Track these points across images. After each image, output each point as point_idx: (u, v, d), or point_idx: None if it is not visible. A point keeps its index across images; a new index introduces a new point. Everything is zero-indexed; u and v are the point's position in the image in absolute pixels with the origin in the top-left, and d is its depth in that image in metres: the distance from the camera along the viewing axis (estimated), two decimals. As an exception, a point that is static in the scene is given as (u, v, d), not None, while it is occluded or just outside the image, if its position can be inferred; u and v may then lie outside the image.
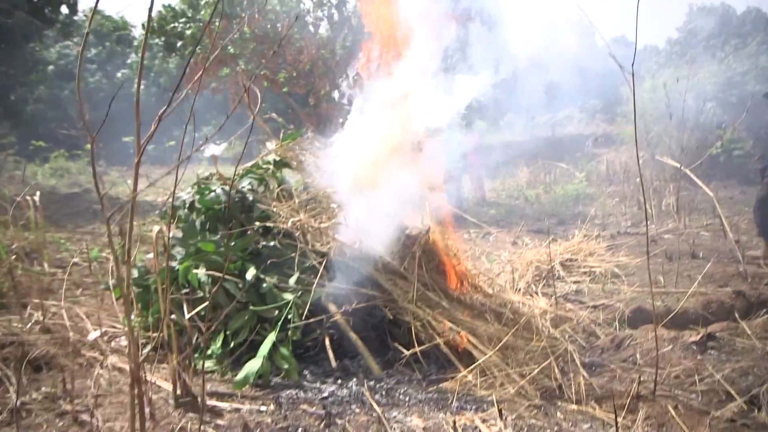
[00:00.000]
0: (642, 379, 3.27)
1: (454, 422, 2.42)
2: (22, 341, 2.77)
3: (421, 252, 3.55)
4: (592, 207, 10.83)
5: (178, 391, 2.53)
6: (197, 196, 4.18)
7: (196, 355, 3.27)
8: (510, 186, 14.41)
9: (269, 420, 2.47)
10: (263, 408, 2.61)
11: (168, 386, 2.68)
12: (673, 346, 3.58)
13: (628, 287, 5.12)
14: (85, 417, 2.29)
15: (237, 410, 2.55)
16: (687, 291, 4.62)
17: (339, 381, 3.14)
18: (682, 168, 5.82)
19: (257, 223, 3.71)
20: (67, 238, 7.65)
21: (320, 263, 3.45)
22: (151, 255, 3.83)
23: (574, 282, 5.44)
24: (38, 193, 6.29)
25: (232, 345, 3.40)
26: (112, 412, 2.37)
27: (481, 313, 3.44)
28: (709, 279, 5.16)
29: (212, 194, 3.97)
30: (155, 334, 3.52)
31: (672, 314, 4.22)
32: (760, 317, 4.12)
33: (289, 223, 3.55)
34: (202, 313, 3.20)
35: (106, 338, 3.84)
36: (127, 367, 3.00)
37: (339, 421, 2.50)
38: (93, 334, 3.84)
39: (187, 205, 4.30)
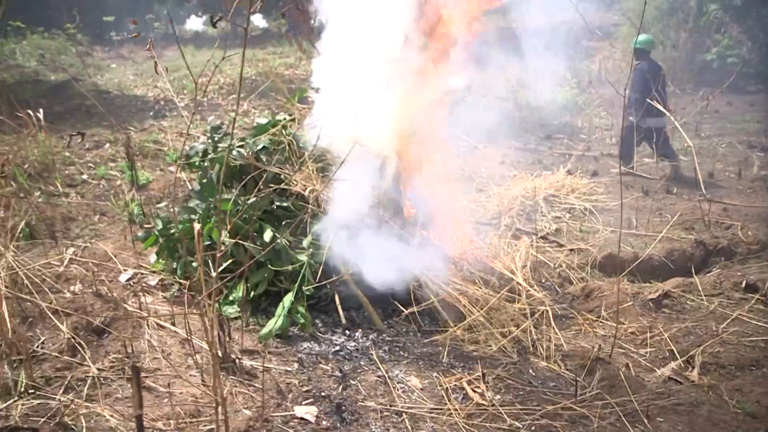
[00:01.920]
0: (602, 333, 3.88)
1: (447, 389, 2.99)
2: (84, 310, 3.21)
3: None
4: (579, 118, 11.07)
5: (220, 354, 3.02)
6: (211, 149, 4.44)
7: (222, 301, 3.78)
8: (500, 82, 14.33)
9: (296, 381, 3.02)
10: (289, 368, 3.15)
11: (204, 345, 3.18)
12: (634, 302, 4.15)
13: (603, 227, 5.64)
14: (150, 383, 2.80)
15: (268, 370, 3.08)
16: (655, 235, 5.16)
17: (347, 332, 3.69)
18: (669, 115, 6.08)
19: (272, 185, 4.03)
20: (70, 148, 7.81)
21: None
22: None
23: (555, 218, 5.93)
24: (41, 111, 6.40)
25: (251, 296, 3.89)
26: (171, 375, 2.89)
27: (470, 277, 3.94)
28: (677, 220, 5.66)
29: (224, 152, 4.23)
30: (182, 281, 4.00)
31: (638, 261, 4.77)
32: (713, 271, 4.70)
33: (305, 191, 3.89)
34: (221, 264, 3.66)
35: (135, 280, 4.31)
36: (166, 323, 3.48)
37: (352, 382, 3.07)
38: (124, 276, 4.30)
39: (200, 155, 4.57)
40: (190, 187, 5.23)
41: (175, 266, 4.30)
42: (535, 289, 4.03)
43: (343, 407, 2.83)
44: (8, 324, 2.61)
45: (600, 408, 2.96)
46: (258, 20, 26.09)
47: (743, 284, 4.34)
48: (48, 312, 3.08)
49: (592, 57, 15.85)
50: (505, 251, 4.72)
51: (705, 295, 4.24)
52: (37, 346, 2.96)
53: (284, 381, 3.03)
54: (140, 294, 4.04)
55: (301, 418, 2.70)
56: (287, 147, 4.21)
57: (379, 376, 3.15)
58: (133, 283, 4.23)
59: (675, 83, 14.29)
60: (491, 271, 4.24)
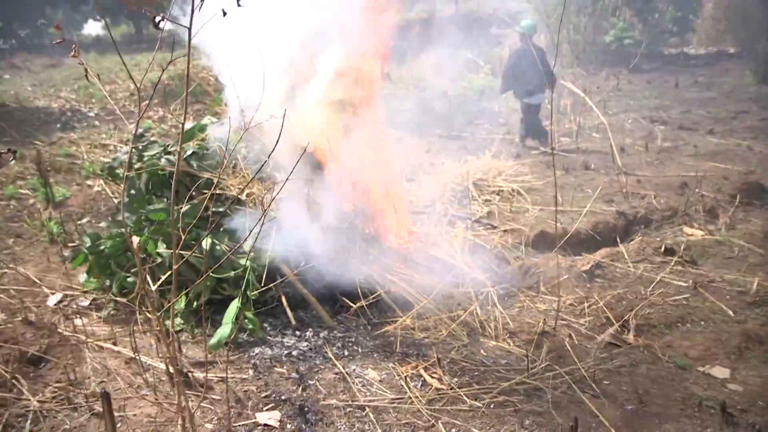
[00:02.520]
0: (543, 308, 4.06)
1: (406, 378, 3.04)
2: (14, 339, 2.98)
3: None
4: (496, 103, 11.44)
5: (171, 370, 2.92)
6: (136, 158, 4.25)
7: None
8: (416, 75, 14.56)
9: (254, 388, 2.96)
10: (244, 376, 3.08)
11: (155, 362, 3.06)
12: (569, 275, 4.37)
13: (532, 207, 5.88)
14: (98, 407, 2.65)
15: (222, 379, 3.00)
16: (580, 210, 5.44)
17: (297, 333, 3.65)
18: (585, 96, 6.39)
19: (204, 191, 3.91)
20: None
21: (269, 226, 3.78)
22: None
23: (486, 201, 6.12)
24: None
25: (194, 305, 3.77)
26: (122, 398, 2.75)
27: (414, 265, 4.00)
28: (598, 194, 6.00)
29: (154, 159, 4.06)
30: (120, 299, 3.82)
31: (567, 236, 5.01)
32: (635, 239, 5.03)
33: (242, 194, 3.80)
34: (160, 277, 3.54)
35: (65, 302, 4.06)
36: (106, 344, 3.31)
37: (311, 382, 3.04)
38: (53, 299, 4.05)
39: (124, 165, 4.37)
40: (115, 200, 4.98)
41: (108, 284, 4.10)
42: (487, 276, 4.14)
43: (306, 408, 2.80)
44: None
45: (552, 379, 3.11)
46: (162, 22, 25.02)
47: (662, 249, 4.66)
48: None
49: (501, 44, 16.38)
50: (442, 237, 4.82)
51: (631, 262, 4.52)
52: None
53: (241, 389, 2.96)
54: (73, 317, 3.82)
55: (265, 425, 2.66)
56: (217, 151, 4.10)
57: (336, 373, 3.15)
58: (64, 305, 3.99)
59: (580, 65, 15.10)
60: (432, 258, 4.32)
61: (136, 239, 2.75)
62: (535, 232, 5.24)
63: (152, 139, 4.39)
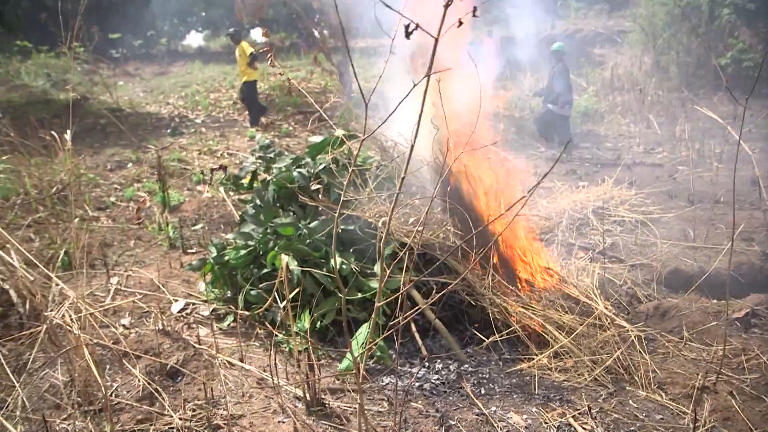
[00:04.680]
0: (692, 357, 3.65)
1: (557, 428, 2.76)
2: (155, 351, 2.96)
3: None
4: (602, 125, 10.92)
5: (308, 397, 2.79)
6: (263, 169, 4.22)
7: (283, 334, 3.54)
8: (515, 95, 14.24)
9: (391, 423, 2.78)
10: (379, 408, 2.91)
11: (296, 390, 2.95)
12: (718, 322, 3.93)
13: (660, 241, 5.42)
14: (236, 430, 2.56)
15: (356, 410, 2.84)
16: (715, 247, 4.96)
17: (426, 364, 3.45)
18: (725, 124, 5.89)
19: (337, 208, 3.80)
20: (93, 169, 7.58)
21: (402, 251, 3.62)
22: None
23: (606, 232, 5.72)
24: (69, 132, 6.18)
25: (318, 326, 3.65)
26: (258, 424, 2.65)
27: (549, 302, 3.72)
28: (736, 231, 5.45)
29: (285, 172, 4.01)
30: (243, 312, 3.76)
31: (706, 275, 4.56)
32: (791, 286, 4.49)
33: (374, 216, 3.67)
34: (284, 293, 3.43)
35: (188, 310, 4.07)
36: (236, 360, 3.24)
37: (452, 422, 2.83)
38: (176, 306, 4.06)
39: (250, 176, 4.35)
40: (234, 210, 5.00)
41: (229, 295, 4.07)
42: (621, 316, 3.80)
43: (452, 453, 2.59)
44: (94, 371, 2.35)
45: (723, 444, 2.74)
46: (257, 35, 25.98)
47: (825, 299, 4.13)
48: (117, 354, 2.84)
49: (603, 64, 15.77)
50: (570, 271, 4.50)
51: (792, 313, 4.02)
52: (111, 394, 2.71)
53: (378, 424, 2.78)
54: (195, 326, 3.82)
55: (412, 469, 2.46)
56: (348, 167, 3.99)
57: (477, 414, 2.91)
58: (186, 314, 4.00)
59: (687, 89, 14.22)
60: (564, 295, 4.02)
61: (285, 258, 2.65)
62: (668, 268, 4.80)
63: (278, 150, 4.34)
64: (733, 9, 13.86)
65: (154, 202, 6.29)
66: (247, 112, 10.47)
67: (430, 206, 2.32)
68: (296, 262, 3.53)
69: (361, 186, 3.83)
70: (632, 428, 2.89)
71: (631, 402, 3.16)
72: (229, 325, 3.89)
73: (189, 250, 5.00)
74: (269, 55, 1.97)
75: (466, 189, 3.91)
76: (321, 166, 3.92)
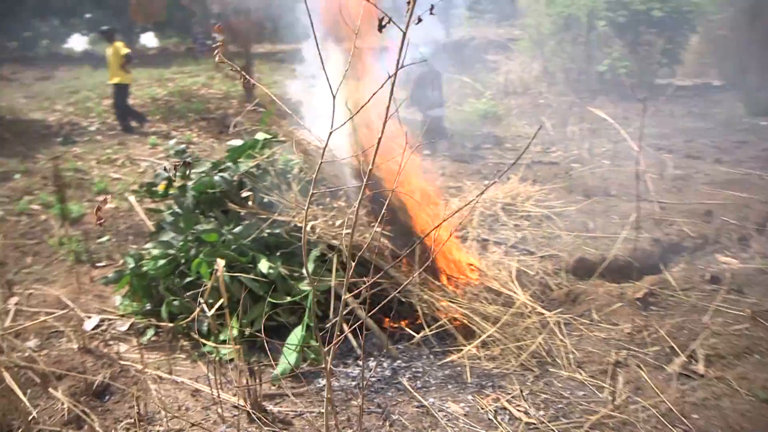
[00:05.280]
0: (603, 336, 3.97)
1: (495, 412, 2.89)
2: (81, 370, 2.75)
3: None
4: (499, 127, 11.49)
5: (248, 405, 2.72)
6: (179, 175, 4.07)
7: (211, 343, 3.43)
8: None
9: (333, 423, 2.78)
10: (321, 410, 2.90)
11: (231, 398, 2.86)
12: (621, 302, 4.29)
13: (564, 233, 5.82)
14: (177, 447, 2.45)
15: (300, 414, 2.82)
16: (612, 236, 5.41)
17: (359, 362, 3.48)
18: (615, 123, 6.41)
19: (261, 212, 3.74)
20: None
21: (331, 253, 3.63)
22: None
23: (515, 227, 6.05)
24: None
25: (247, 333, 3.57)
26: (197, 437, 2.55)
27: (474, 295, 3.88)
28: (625, 220, 5.97)
29: (205, 177, 3.89)
30: (165, 324, 3.60)
31: (607, 262, 4.96)
32: (677, 267, 4.99)
33: (302, 222, 3.64)
34: (210, 300, 3.34)
35: (103, 327, 3.83)
36: (164, 374, 3.10)
37: (394, 416, 2.88)
38: (89, 323, 3.82)
39: (165, 183, 4.18)
40: (146, 219, 4.74)
41: (149, 308, 3.88)
42: (538, 304, 4.04)
43: (399, 446, 2.64)
44: (20, 395, 2.15)
45: (638, 412, 3.00)
46: (149, 39, 24.75)
47: (708, 277, 4.63)
48: (37, 376, 2.61)
49: (497, 69, 16.61)
50: (488, 265, 4.72)
51: (680, 290, 4.47)
52: (31, 420, 2.49)
53: (323, 425, 2.77)
54: (112, 343, 3.61)
55: (363, 465, 2.48)
56: (271, 169, 3.94)
57: (417, 407, 2.99)
58: (102, 331, 3.76)
59: (573, 93, 15.34)
60: (486, 288, 4.21)
61: (221, 262, 2.58)
62: (574, 257, 5.16)
63: (195, 155, 4.19)
64: (607, 21, 15.12)
65: (51, 216, 5.83)
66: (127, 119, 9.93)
67: (357, 208, 2.36)
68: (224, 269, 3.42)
69: (285, 189, 3.79)
70: (560, 405, 3.09)
71: (555, 382, 3.37)
72: (150, 339, 3.71)
73: (98, 264, 4.69)
74: (216, 51, 1.91)
75: (389, 188, 3.99)
76: (242, 170, 3.84)
